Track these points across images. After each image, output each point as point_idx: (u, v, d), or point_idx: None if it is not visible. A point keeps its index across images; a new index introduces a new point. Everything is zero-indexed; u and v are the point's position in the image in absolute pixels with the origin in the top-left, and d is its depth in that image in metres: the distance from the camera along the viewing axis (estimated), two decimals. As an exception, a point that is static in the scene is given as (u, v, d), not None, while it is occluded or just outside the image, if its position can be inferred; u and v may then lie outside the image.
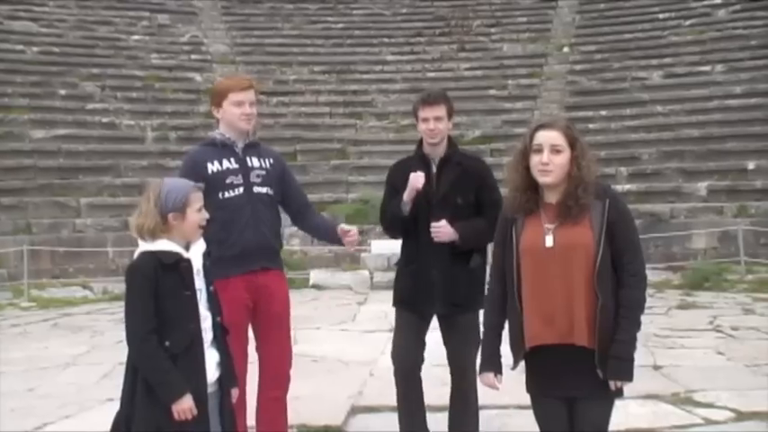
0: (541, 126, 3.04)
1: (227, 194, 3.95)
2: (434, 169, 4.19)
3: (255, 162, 4.09)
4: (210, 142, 4.13)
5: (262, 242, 3.99)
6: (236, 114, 4.02)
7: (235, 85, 4.09)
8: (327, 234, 4.32)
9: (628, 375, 2.94)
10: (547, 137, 2.99)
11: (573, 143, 2.99)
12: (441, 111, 4.14)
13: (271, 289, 4.05)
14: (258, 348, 4.12)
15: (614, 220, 2.95)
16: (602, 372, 2.91)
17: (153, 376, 2.94)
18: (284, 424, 4.18)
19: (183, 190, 3.07)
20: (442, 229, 4.04)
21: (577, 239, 2.94)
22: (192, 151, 4.20)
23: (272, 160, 4.16)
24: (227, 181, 3.97)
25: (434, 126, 4.12)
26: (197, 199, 3.09)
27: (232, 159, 4.03)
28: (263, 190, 4.06)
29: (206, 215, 3.12)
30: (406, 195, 4.09)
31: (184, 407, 2.91)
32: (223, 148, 4.05)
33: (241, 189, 3.99)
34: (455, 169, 4.16)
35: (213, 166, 3.98)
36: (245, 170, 4.03)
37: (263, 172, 4.07)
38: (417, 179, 4.05)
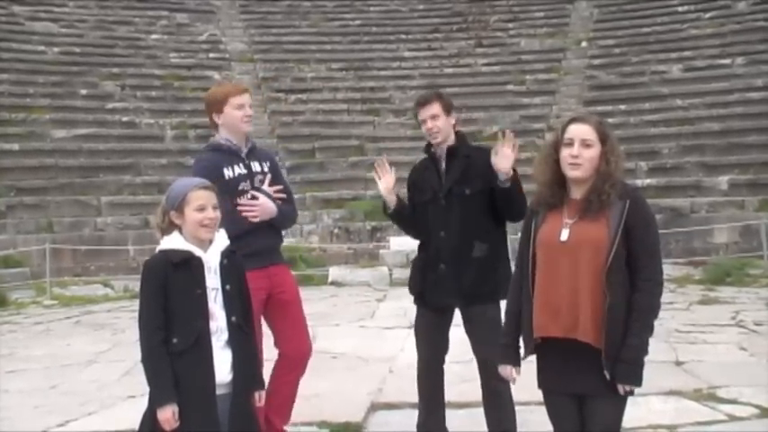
0: (574, 120, 3.06)
1: (238, 200, 4.10)
2: (443, 164, 4.24)
3: (257, 166, 4.25)
4: (217, 147, 4.23)
5: (269, 244, 4.20)
6: (238, 117, 4.18)
7: (233, 90, 4.29)
8: None
9: (636, 380, 2.90)
10: (578, 130, 2.99)
11: (604, 139, 3.00)
12: (435, 109, 4.20)
13: (281, 279, 4.23)
14: (276, 338, 4.22)
15: (633, 222, 2.92)
16: (609, 373, 2.88)
17: (148, 374, 3.02)
18: (292, 404, 4.27)
19: (182, 189, 3.10)
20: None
21: (591, 236, 2.92)
22: (205, 157, 4.28)
23: (268, 163, 4.32)
24: (240, 187, 4.13)
25: (432, 125, 4.20)
26: (197, 198, 3.08)
27: (241, 165, 4.18)
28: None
29: (211, 214, 3.09)
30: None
31: (164, 416, 2.94)
32: (230, 155, 4.18)
33: (249, 195, 4.15)
34: (461, 162, 4.20)
35: (228, 172, 4.13)
36: (250, 175, 4.19)
37: (263, 176, 4.23)
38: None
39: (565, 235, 2.96)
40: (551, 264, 2.97)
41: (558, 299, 2.94)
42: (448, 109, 4.23)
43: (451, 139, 4.26)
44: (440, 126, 4.19)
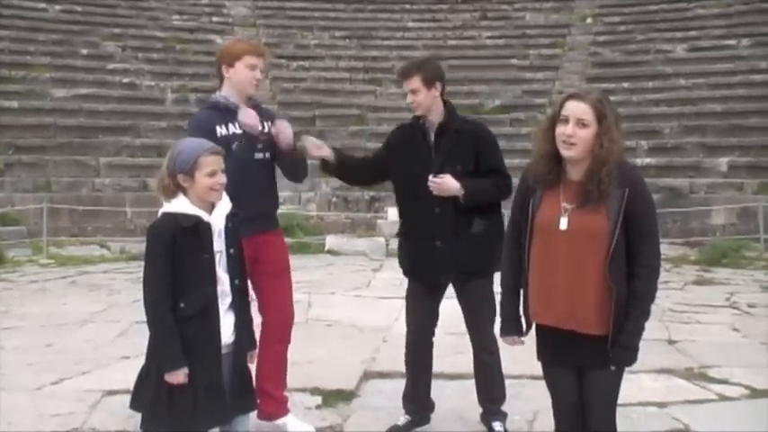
0: (572, 96, 2.95)
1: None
2: (432, 138, 4.13)
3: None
4: (213, 105, 4.11)
5: (261, 210, 4.07)
6: (247, 77, 4.05)
7: (252, 49, 4.12)
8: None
9: (631, 362, 2.96)
10: (575, 108, 2.90)
11: (600, 118, 2.88)
12: (414, 83, 4.04)
13: (269, 246, 4.14)
14: (261, 305, 4.19)
15: (632, 209, 2.88)
16: (612, 358, 2.92)
17: (156, 340, 3.01)
18: (284, 371, 4.28)
19: (192, 152, 3.04)
20: (444, 183, 3.96)
21: (591, 228, 2.87)
22: (199, 115, 4.17)
23: (270, 123, 4.18)
24: (233, 147, 3.96)
25: (411, 99, 4.08)
26: (208, 163, 3.03)
27: (236, 124, 4.03)
28: (263, 155, 4.11)
29: (221, 179, 3.06)
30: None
31: (176, 380, 2.96)
32: (227, 113, 4.04)
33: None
34: (452, 137, 4.09)
35: (221, 129, 3.99)
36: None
37: (263, 137, 4.09)
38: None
39: (564, 223, 2.91)
40: (548, 252, 2.94)
41: (552, 288, 2.93)
42: (429, 82, 4.05)
43: (439, 112, 4.11)
44: (419, 101, 4.06)
